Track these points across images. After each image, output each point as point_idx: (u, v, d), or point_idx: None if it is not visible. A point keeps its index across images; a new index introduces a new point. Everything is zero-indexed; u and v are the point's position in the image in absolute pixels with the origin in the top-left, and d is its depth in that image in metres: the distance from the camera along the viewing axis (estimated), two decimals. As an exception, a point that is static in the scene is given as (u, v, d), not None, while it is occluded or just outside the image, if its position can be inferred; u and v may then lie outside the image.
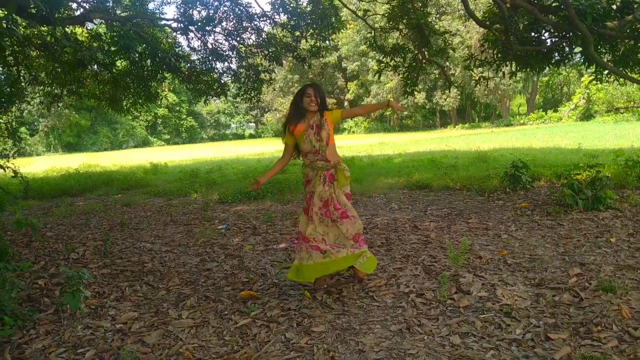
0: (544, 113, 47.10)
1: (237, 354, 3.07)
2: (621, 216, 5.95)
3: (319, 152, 4.00)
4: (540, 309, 3.45)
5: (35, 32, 10.37)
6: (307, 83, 4.35)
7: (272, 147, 31.10)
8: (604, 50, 7.79)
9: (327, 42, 11.48)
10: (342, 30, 11.58)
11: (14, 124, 15.45)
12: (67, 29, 9.59)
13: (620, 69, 7.46)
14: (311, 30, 10.31)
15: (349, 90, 58.77)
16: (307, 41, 10.90)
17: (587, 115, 41.49)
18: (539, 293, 3.73)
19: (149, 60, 11.00)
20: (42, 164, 24.83)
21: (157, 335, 3.42)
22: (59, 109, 40.65)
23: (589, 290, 3.71)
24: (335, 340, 3.20)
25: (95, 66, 11.77)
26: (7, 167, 7.65)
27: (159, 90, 12.92)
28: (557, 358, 2.77)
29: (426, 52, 9.83)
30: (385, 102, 4.36)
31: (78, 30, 12.02)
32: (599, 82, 8.17)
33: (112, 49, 10.16)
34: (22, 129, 48.06)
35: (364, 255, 4.03)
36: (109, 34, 10.86)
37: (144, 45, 10.38)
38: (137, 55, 10.73)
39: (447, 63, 39.54)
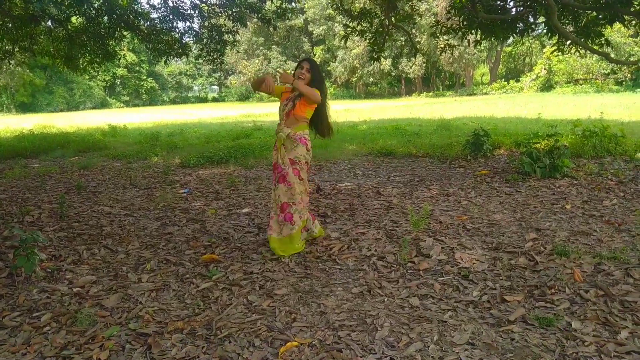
0: (506, 83, 47.92)
1: (198, 317, 3.05)
2: (577, 184, 6.14)
3: (280, 121, 4.11)
4: (497, 272, 3.55)
5: (-18, -18, 9.73)
6: (307, 57, 4.30)
7: (235, 111, 30.62)
8: (566, 21, 7.90)
9: (293, 3, 11.24)
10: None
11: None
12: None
13: (582, 40, 7.58)
14: (277, -10, 10.04)
15: (315, 55, 58.10)
16: (272, 2, 10.62)
17: (547, 86, 42.47)
18: (496, 257, 3.84)
19: (106, 17, 10.51)
20: (-6, 124, 23.76)
21: (116, 299, 3.36)
22: (11, 66, 38.69)
23: (544, 254, 3.83)
24: (297, 303, 3.22)
25: (49, 22, 11.18)
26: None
27: (117, 49, 12.41)
28: (512, 319, 2.86)
29: (393, 18, 9.74)
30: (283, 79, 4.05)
31: (29, -18, 11.35)
32: (560, 53, 8.30)
33: (66, 2, 9.63)
34: (-28, 87, 45.77)
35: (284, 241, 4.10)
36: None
37: (101, 0, 9.90)
38: (93, 11, 10.24)
39: (414, 30, 39.49)
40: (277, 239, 4.08)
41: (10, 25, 10.82)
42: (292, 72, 4.13)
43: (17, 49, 12.11)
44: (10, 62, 13.98)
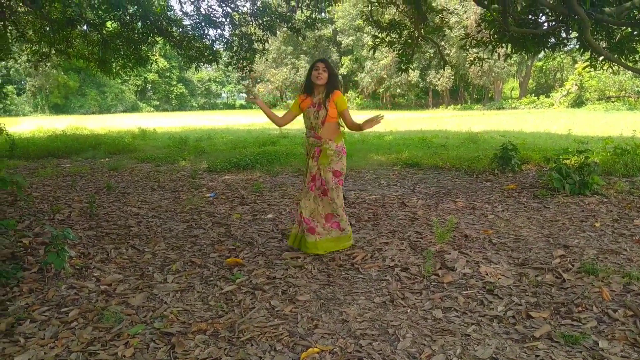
0: (536, 98, 47.26)
1: (221, 319, 3.09)
2: (607, 202, 6.02)
3: (313, 128, 4.13)
4: (523, 288, 3.50)
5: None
6: (320, 58, 4.37)
7: (263, 119, 30.89)
8: (600, 37, 7.78)
9: (323, 14, 11.38)
10: (338, 3, 11.44)
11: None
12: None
13: (615, 56, 7.46)
14: (307, 0, 10.13)
15: (342, 65, 58.29)
16: (302, 12, 10.75)
17: (578, 102, 41.72)
18: (522, 272, 3.78)
19: (140, 23, 10.77)
20: (29, 124, 24.47)
21: (141, 298, 3.42)
22: (47, 68, 39.84)
23: (572, 272, 3.76)
24: (319, 310, 3.23)
25: (85, 26, 11.50)
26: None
27: (149, 54, 12.70)
28: (537, 336, 2.82)
29: (422, 30, 9.74)
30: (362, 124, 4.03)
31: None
32: (592, 69, 8.17)
33: (102, 7, 9.90)
34: (9, 87, 47.17)
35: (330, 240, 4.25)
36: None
37: (136, 6, 10.14)
38: (127, 16, 10.50)
39: (443, 42, 39.28)
40: (329, 238, 4.24)
41: (48, 28, 11.16)
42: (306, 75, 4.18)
43: (54, 52, 12.47)
44: (47, 64, 14.39)
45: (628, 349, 2.68)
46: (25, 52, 15.25)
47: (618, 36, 7.66)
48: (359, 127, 3.98)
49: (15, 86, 51.56)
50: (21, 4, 10.57)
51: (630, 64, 7.75)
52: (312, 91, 4.12)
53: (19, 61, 29.25)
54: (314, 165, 4.16)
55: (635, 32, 7.29)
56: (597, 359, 2.57)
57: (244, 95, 74.56)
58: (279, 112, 4.25)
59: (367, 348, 2.72)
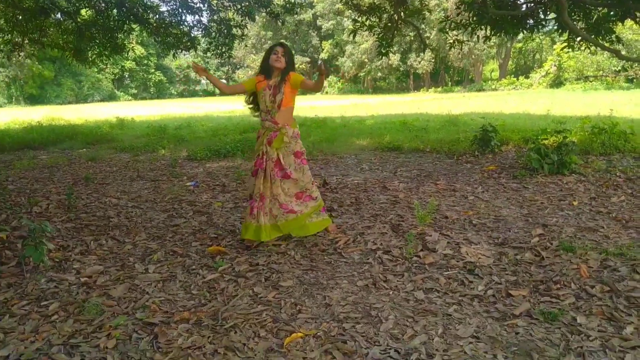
0: (515, 79, 47.60)
1: (204, 307, 3.08)
2: (584, 181, 6.11)
3: (269, 112, 4.09)
4: (503, 267, 3.55)
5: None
6: (279, 42, 4.32)
7: (242, 105, 30.63)
8: (577, 18, 7.84)
9: (302, -2, 11.20)
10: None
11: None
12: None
13: (592, 36, 7.53)
14: (285, -16, 10.02)
15: (323, 50, 57.96)
16: (281, -4, 10.63)
17: (557, 82, 42.14)
18: (502, 252, 3.83)
19: (115, 10, 10.55)
20: (3, 116, 23.92)
21: (123, 289, 3.39)
22: (21, 58, 38.87)
23: (550, 250, 3.82)
24: (302, 295, 3.24)
25: (59, 14, 11.22)
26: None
27: (125, 42, 12.45)
28: (517, 313, 2.87)
29: (402, 13, 9.71)
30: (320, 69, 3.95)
31: (39, -26, 11.38)
32: (570, 50, 8.24)
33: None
34: (-19, 79, 46.06)
35: (312, 215, 4.20)
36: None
37: (111, -7, 9.93)
38: (102, 4, 10.27)
39: (423, 25, 39.25)
40: (309, 212, 4.18)
41: (20, 17, 10.87)
42: (263, 58, 4.10)
43: (27, 41, 12.17)
44: (20, 54, 14.03)
45: (605, 323, 2.74)
46: (-3, 43, 14.88)
47: (595, 17, 7.73)
48: (318, 83, 4.01)
49: (-13, 77, 50.33)
50: (-9, -7, 10.28)
51: (607, 44, 7.83)
52: (269, 75, 4.07)
53: (-9, 51, 28.53)
54: (272, 151, 4.07)
55: (611, 13, 7.36)
56: (575, 334, 2.62)
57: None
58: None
59: (351, 331, 2.74)
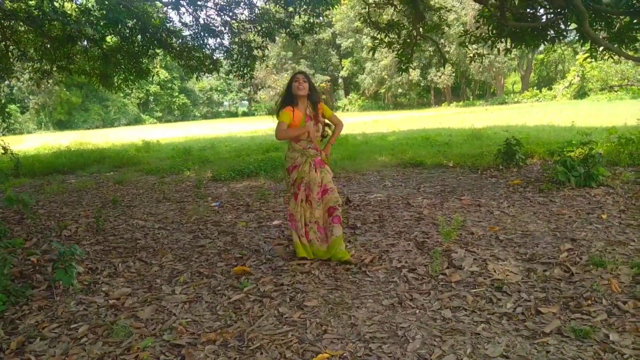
0: (538, 91, 47.09)
1: (230, 328, 3.09)
2: (613, 193, 5.98)
3: (312, 141, 4.18)
4: (531, 284, 3.48)
5: (23, 6, 10.15)
6: (298, 71, 4.47)
7: (265, 125, 30.94)
8: (599, 27, 7.75)
9: (321, 18, 11.34)
10: (335, 6, 11.44)
11: (2, 100, 15.26)
12: (55, 3, 9.37)
13: (615, 45, 7.42)
14: (305, 5, 10.14)
15: (343, 68, 58.34)
16: (300, 17, 10.76)
17: (581, 93, 41.53)
18: (530, 268, 3.76)
19: (139, 36, 10.82)
20: (34, 142, 24.62)
21: (150, 311, 3.42)
22: (49, 85, 40.11)
23: (580, 265, 3.74)
24: (327, 315, 3.22)
25: (85, 42, 11.57)
26: (-3, 144, 7.55)
27: (150, 67, 12.74)
28: (547, 331, 2.80)
29: (421, 28, 9.75)
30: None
31: (67, 4, 11.77)
32: (593, 60, 8.13)
33: (101, 23, 9.96)
34: (12, 106, 47.52)
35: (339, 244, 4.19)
36: (97, 7, 10.65)
37: (135, 20, 10.19)
38: (127, 30, 10.54)
39: (442, 40, 39.28)
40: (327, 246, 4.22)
41: (48, 45, 11.24)
42: (285, 87, 4.28)
43: (55, 69, 12.56)
44: (49, 81, 14.49)
45: (639, 340, 2.65)
46: (27, 71, 15.37)
47: (617, 26, 7.63)
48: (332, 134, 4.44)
49: (19, 104, 51.91)
50: (21, 23, 10.65)
51: (630, 53, 7.71)
52: (295, 102, 4.14)
53: (21, 79, 29.45)
54: (316, 177, 4.17)
55: (634, 21, 7.25)
56: (609, 352, 2.55)
57: (246, 102, 74.60)
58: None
59: (377, 351, 2.72)
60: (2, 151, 7.79)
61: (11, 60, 12.00)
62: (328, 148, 4.35)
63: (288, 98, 4.16)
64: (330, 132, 4.42)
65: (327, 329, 3.02)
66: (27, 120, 51.90)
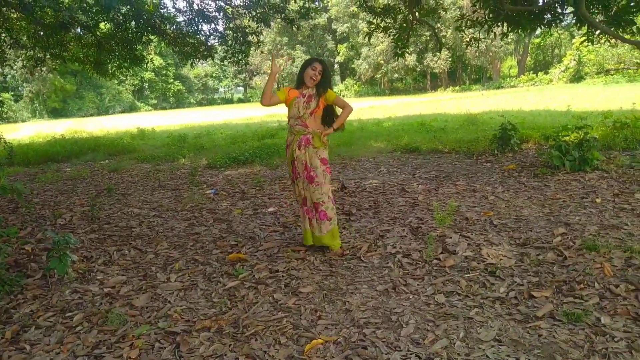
0: (534, 75, 47.02)
1: (225, 315, 3.10)
2: (607, 177, 5.99)
3: (300, 118, 4.04)
4: (525, 268, 3.50)
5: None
6: (317, 58, 4.32)
7: (261, 112, 30.84)
8: (595, 10, 7.70)
9: (316, 3, 11.27)
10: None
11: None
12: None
13: (612, 29, 7.39)
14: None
15: (338, 53, 58.03)
16: (295, 2, 10.67)
17: (577, 77, 41.48)
18: (523, 252, 3.78)
19: (133, 22, 10.72)
20: (28, 130, 24.49)
21: (145, 299, 3.43)
22: (43, 73, 39.80)
23: (573, 249, 3.76)
24: (322, 301, 3.24)
25: (79, 29, 11.46)
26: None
27: (144, 53, 12.64)
28: (540, 315, 2.82)
29: (417, 13, 9.67)
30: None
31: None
32: (590, 43, 8.08)
33: (94, 9, 9.87)
34: (6, 94, 47.21)
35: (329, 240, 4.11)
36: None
37: (128, 6, 10.09)
38: (120, 17, 10.45)
39: (438, 24, 39.03)
40: (318, 236, 4.10)
41: (41, 33, 11.13)
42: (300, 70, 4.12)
43: (49, 56, 12.45)
44: (42, 69, 14.36)
45: (630, 323, 2.68)
46: (20, 58, 15.23)
47: (614, 9, 7.58)
48: (341, 120, 4.23)
49: (12, 93, 51.55)
50: (13, 10, 10.52)
51: (627, 36, 7.67)
52: (301, 85, 4.08)
53: (14, 67, 29.15)
54: (302, 154, 4.02)
55: (631, 4, 7.21)
56: (600, 335, 2.57)
57: (241, 89, 74.18)
58: (278, 105, 4.16)
59: (371, 336, 2.73)
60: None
61: (4, 47, 11.89)
62: (329, 131, 4.09)
63: (298, 82, 4.09)
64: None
65: (322, 315, 3.03)
66: (21, 109, 51.54)
